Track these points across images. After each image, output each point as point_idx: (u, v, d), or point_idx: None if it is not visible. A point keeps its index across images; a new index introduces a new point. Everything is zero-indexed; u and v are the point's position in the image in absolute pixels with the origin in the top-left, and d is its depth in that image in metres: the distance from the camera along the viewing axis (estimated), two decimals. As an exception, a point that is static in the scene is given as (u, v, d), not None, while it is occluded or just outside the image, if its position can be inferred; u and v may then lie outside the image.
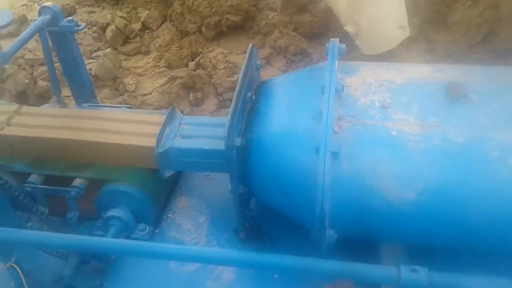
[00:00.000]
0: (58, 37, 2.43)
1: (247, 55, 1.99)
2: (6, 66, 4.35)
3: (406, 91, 1.69)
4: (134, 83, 3.55)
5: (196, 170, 2.13)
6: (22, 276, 1.84)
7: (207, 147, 1.95)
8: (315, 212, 1.50)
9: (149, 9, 4.88)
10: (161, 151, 1.97)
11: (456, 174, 1.46)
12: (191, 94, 3.32)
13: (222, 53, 3.53)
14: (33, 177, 2.10)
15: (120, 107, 2.49)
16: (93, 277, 1.93)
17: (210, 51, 3.59)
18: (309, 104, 1.70)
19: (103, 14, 5.24)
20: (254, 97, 1.93)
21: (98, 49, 4.64)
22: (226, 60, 3.48)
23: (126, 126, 2.13)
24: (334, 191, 1.49)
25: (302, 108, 1.72)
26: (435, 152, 1.49)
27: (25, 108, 2.40)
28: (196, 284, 1.90)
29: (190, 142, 2.00)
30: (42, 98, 3.62)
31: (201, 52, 3.68)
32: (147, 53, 4.38)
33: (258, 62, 2.11)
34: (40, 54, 4.35)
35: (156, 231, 2.13)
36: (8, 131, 2.13)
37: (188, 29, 3.89)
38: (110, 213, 2.04)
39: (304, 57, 3.42)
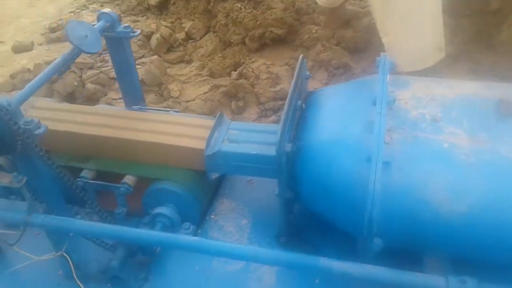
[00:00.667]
0: (114, 42, 2.54)
1: (297, 66, 2.06)
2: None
3: (457, 106, 1.71)
4: (178, 89, 3.66)
5: (242, 174, 2.18)
6: (71, 265, 1.94)
7: (254, 152, 2.02)
8: (364, 219, 1.53)
9: (193, 20, 5.02)
10: (210, 153, 2.04)
11: (508, 189, 1.46)
12: (233, 102, 3.40)
13: (264, 64, 3.61)
14: (85, 172, 2.21)
15: (168, 111, 2.58)
16: (139, 270, 2.00)
17: (253, 62, 3.67)
18: (360, 114, 1.74)
19: (148, 23, 5.42)
20: (303, 106, 1.98)
21: (143, 56, 4.80)
22: (268, 71, 3.55)
23: (176, 128, 2.22)
24: (383, 200, 1.51)
25: (352, 118, 1.76)
26: (486, 166, 1.50)
27: (78, 107, 2.52)
28: (238, 284, 1.94)
29: (237, 146, 2.06)
30: (89, 100, 3.78)
31: (243, 63, 3.77)
32: (189, 62, 4.50)
33: (307, 72, 2.17)
34: (88, 59, 4.54)
35: (199, 231, 2.19)
36: (63, 127, 2.23)
37: (232, 40, 4.00)
38: (157, 210, 2.12)
39: (346, 71, 3.46)
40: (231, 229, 2.19)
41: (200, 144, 2.08)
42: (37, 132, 1.77)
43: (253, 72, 3.56)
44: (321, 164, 1.72)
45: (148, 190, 2.17)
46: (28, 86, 1.92)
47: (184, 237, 1.78)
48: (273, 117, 3.26)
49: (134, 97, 2.81)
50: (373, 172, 1.50)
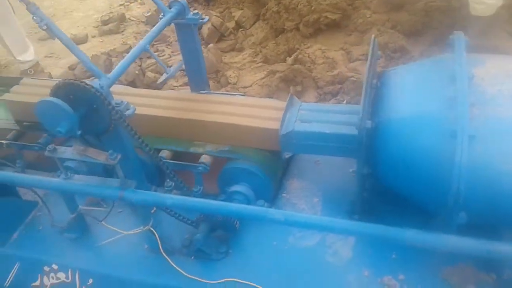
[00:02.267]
0: (183, 28, 2.63)
1: (370, 46, 2.10)
2: (114, 59, 4.75)
3: (534, 81, 1.71)
4: (235, 76, 3.75)
5: (315, 153, 2.26)
6: (158, 239, 2.06)
7: (329, 131, 2.08)
8: (449, 193, 1.57)
9: (242, 9, 5.09)
10: (284, 133, 2.11)
11: None
12: (291, 87, 3.46)
13: (320, 49, 3.65)
14: (164, 153, 2.33)
15: (235, 94, 2.67)
16: (220, 244, 2.11)
17: (308, 48, 3.72)
18: (437, 91, 1.77)
19: (197, 13, 5.53)
20: (378, 85, 2.03)
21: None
22: (324, 56, 3.59)
23: (247, 110, 2.31)
24: (469, 173, 1.55)
25: (430, 95, 1.79)
26: None
27: (151, 91, 2.65)
28: (315, 258, 2.02)
29: (311, 126, 2.13)
30: (149, 88, 3.92)
31: (298, 49, 3.82)
32: (241, 50, 4.59)
33: (379, 52, 2.20)
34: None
35: (273, 208, 2.28)
36: (141, 110, 2.35)
37: (285, 27, 4.05)
38: (234, 188, 2.22)
39: (403, 54, 3.46)
40: (304, 206, 2.27)
41: (273, 125, 2.17)
42: (127, 112, 1.90)
43: (309, 57, 3.61)
44: (401, 141, 1.76)
45: (223, 169, 2.28)
46: (115, 69, 2.05)
47: (261, 209, 1.86)
48: (332, 101, 3.30)
49: (200, 82, 2.91)
50: (459, 145, 1.54)
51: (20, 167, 2.62)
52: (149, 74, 3.92)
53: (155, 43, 5.31)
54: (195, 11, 2.62)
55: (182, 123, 2.32)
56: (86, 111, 1.82)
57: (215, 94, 2.74)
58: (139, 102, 2.42)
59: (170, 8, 2.58)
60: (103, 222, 2.13)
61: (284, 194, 2.34)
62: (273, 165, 2.29)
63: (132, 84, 4.05)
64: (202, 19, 2.63)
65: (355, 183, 1.97)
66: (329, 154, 2.19)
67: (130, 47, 5.29)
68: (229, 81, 3.75)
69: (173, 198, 1.85)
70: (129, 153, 2.07)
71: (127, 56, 2.17)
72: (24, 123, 2.58)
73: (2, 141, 2.47)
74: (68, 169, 2.02)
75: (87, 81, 1.85)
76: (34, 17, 1.71)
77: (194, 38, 2.69)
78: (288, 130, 2.11)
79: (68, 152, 1.88)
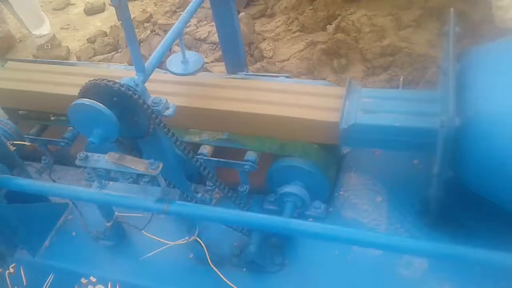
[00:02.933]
0: (218, 3, 2.34)
1: (451, 20, 1.77)
2: (136, 30, 4.45)
3: None
4: (271, 48, 3.44)
5: (381, 148, 1.98)
6: (205, 249, 1.86)
7: (398, 124, 1.80)
8: None
9: (270, -32, 4.69)
10: (345, 127, 1.84)
11: None
12: (335, 61, 3.14)
13: (365, 15, 3.28)
14: (203, 148, 2.09)
15: (278, 76, 2.38)
16: (274, 254, 1.89)
17: (351, 14, 3.36)
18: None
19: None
20: (459, 68, 1.72)
21: (220, 12, 4.56)
22: (371, 23, 3.22)
23: (299, 98, 2.03)
24: None
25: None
26: None
27: (181, 78, 2.37)
28: (384, 269, 1.79)
29: (376, 117, 1.85)
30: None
31: (339, 15, 3.46)
32: (272, 16, 4.24)
33: (457, 29, 1.87)
34: (171, 19, 4.38)
35: (330, 209, 2.04)
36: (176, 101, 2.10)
37: (324, -10, 3.67)
38: (286, 189, 1.99)
39: (462, 20, 3.07)
40: (366, 207, 2.03)
41: (332, 116, 1.90)
42: (167, 112, 1.66)
43: (353, 25, 3.25)
44: (500, 140, 1.47)
45: (273, 167, 2.04)
46: (150, 61, 1.79)
47: (324, 226, 1.60)
48: (384, 75, 2.98)
49: (237, 62, 2.63)
50: None
51: (46, 164, 2.44)
52: (176, 49, 3.63)
53: (177, 11, 4.98)
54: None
55: (223, 115, 2.06)
56: (120, 113, 1.59)
57: (256, 76, 2.46)
58: (170, 91, 2.16)
59: (204, -22, 2.28)
60: (144, 231, 1.92)
61: (341, 192, 2.10)
62: (329, 160, 2.04)
63: (158, 60, 3.77)
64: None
65: (432, 185, 1.71)
66: (398, 150, 1.92)
67: (151, 16, 4.97)
68: (264, 54, 3.43)
69: (226, 212, 1.62)
70: (168, 155, 1.85)
71: (162, 44, 1.92)
72: (20, 111, 2.37)
73: (27, 137, 2.26)
74: (101, 175, 1.79)
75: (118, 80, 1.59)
76: None
77: (231, 12, 2.40)
78: (350, 123, 1.84)
79: (102, 161, 1.65)
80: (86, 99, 1.50)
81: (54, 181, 2.15)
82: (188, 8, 2.10)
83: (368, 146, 2.01)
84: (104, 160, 1.66)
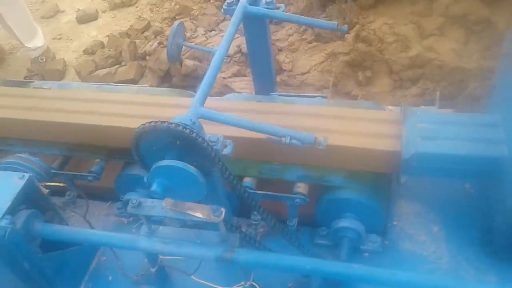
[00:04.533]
0: (252, 19, 2.22)
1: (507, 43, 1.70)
2: (138, 41, 4.28)
3: None
4: (289, 61, 3.33)
5: (444, 177, 1.89)
6: (261, 292, 1.76)
7: (463, 152, 1.72)
8: None
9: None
10: (407, 157, 1.75)
11: None
12: (360, 73, 3.05)
13: (386, 23, 3.20)
14: (249, 181, 1.98)
15: (315, 96, 2.27)
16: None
17: (370, 22, 3.28)
18: None
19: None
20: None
21: (224, 20, 4.45)
22: (393, 32, 3.15)
23: (350, 124, 1.93)
24: None
25: None
26: None
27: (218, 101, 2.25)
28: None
29: (438, 145, 1.76)
30: (188, 78, 3.51)
31: (356, 23, 3.37)
32: (279, 22, 4.12)
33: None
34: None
35: (386, 242, 1.96)
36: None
37: (338, -4, 3.58)
38: (341, 223, 1.89)
39: (487, 26, 3.03)
40: (424, 238, 1.95)
41: (391, 145, 1.81)
42: (225, 151, 1.54)
43: (375, 34, 3.17)
44: None
45: (324, 198, 1.94)
46: (199, 94, 1.66)
47: (401, 274, 1.51)
48: (414, 89, 2.90)
49: (268, 83, 2.53)
50: None
51: (71, 199, 2.29)
52: (187, 62, 3.49)
53: (177, 17, 4.83)
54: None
55: (269, 146, 1.95)
56: (178, 154, 1.47)
57: (291, 97, 2.35)
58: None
59: None
60: (192, 276, 1.80)
61: (395, 222, 2.01)
62: (384, 190, 1.95)
63: (167, 74, 3.63)
64: (278, 7, 2.21)
65: (500, 215, 1.63)
66: (460, 179, 1.85)
67: (149, 23, 4.82)
68: (283, 67, 3.33)
69: (299, 260, 1.52)
70: (220, 194, 1.73)
71: (209, 72, 1.77)
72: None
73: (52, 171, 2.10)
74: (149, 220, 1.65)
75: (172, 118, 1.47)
76: None
77: (265, 31, 2.28)
78: (412, 152, 1.75)
79: (157, 207, 1.53)
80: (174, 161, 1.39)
81: (89, 223, 2.01)
82: (226, 35, 1.95)
83: (430, 175, 1.92)
84: (160, 207, 1.53)
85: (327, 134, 1.90)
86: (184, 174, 1.41)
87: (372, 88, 3.01)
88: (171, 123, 1.39)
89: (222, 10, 2.23)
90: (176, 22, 2.04)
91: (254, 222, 2.07)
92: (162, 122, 1.40)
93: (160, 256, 1.87)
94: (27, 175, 1.69)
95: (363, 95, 2.97)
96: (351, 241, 1.89)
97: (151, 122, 1.42)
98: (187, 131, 1.40)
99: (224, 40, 1.90)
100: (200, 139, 1.41)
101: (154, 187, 1.39)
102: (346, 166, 1.91)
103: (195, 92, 1.73)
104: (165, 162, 1.40)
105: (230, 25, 1.97)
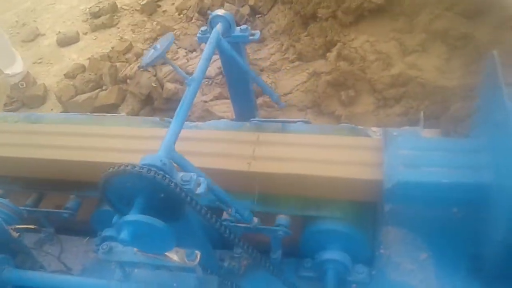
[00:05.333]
0: (228, 48, 2.17)
1: (494, 62, 1.66)
2: (119, 64, 4.23)
3: None
4: (271, 81, 3.29)
5: (429, 206, 1.84)
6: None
7: (446, 180, 1.67)
8: None
9: (254, -9, 4.56)
10: (389, 186, 1.70)
11: None
12: (342, 93, 3.02)
13: (367, 41, 3.18)
14: (228, 214, 1.92)
15: (296, 121, 2.23)
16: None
17: (352, 40, 3.25)
18: None
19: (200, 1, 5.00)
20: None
21: (206, 39, 4.39)
22: (375, 50, 3.13)
23: (331, 152, 1.88)
24: None
25: None
26: None
27: (193, 132, 2.19)
28: None
29: (421, 173, 1.72)
30: (170, 101, 3.46)
31: (338, 41, 3.35)
32: (261, 41, 4.10)
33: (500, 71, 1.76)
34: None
35: (373, 272, 1.90)
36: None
37: (319, 15, 3.55)
38: (326, 255, 1.83)
39: (469, 42, 3.01)
40: (411, 266, 1.89)
41: (373, 174, 1.76)
42: (198, 190, 1.48)
43: (356, 52, 3.14)
44: None
45: (307, 230, 1.88)
46: (168, 137, 1.59)
47: None
48: (397, 108, 2.87)
49: (247, 107, 2.48)
50: None
51: (47, 237, 2.21)
52: (168, 85, 3.44)
53: (159, 38, 4.78)
54: (244, 26, 2.16)
55: (247, 176, 1.90)
56: (148, 198, 1.41)
57: (271, 122, 2.30)
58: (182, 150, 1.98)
59: (211, 26, 2.11)
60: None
61: (382, 250, 1.95)
62: (368, 219, 1.90)
63: (149, 98, 3.58)
64: (253, 34, 2.17)
65: (491, 245, 1.59)
66: (445, 207, 1.80)
67: (131, 44, 4.77)
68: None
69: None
70: (196, 231, 1.67)
71: (180, 106, 1.71)
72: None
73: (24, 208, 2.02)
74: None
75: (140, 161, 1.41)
76: None
77: (242, 58, 2.23)
78: (394, 181, 1.70)
79: (129, 253, 1.46)
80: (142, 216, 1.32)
81: (64, 264, 1.93)
82: (202, 58, 1.91)
83: (414, 203, 1.88)
84: (132, 252, 1.47)
85: (308, 164, 1.87)
86: (153, 228, 1.34)
87: (356, 108, 2.98)
88: (142, 168, 1.33)
89: (197, 38, 2.19)
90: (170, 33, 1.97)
91: (236, 255, 2.00)
92: (133, 166, 1.34)
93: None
94: (-6, 220, 1.62)
95: (347, 115, 2.94)
96: (337, 273, 1.83)
97: (120, 165, 1.36)
98: (159, 176, 1.34)
99: (198, 70, 1.85)
100: (166, 180, 1.35)
101: (122, 235, 1.32)
102: (328, 195, 1.85)
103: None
104: (132, 217, 1.33)
105: (203, 55, 1.93)
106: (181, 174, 1.47)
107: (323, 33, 3.50)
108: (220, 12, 2.12)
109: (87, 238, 2.24)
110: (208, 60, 1.95)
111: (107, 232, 2.01)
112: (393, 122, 2.79)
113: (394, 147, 1.82)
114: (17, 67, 4.47)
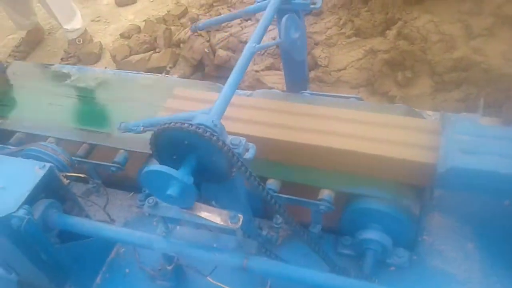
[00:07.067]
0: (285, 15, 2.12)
1: None
2: (174, 27, 4.25)
3: None
4: (325, 56, 3.21)
5: (483, 194, 1.76)
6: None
7: (504, 171, 1.59)
8: None
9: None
10: (443, 170, 1.64)
11: None
12: (399, 73, 2.91)
13: (432, 21, 3.03)
14: (273, 183, 1.92)
15: (349, 97, 2.17)
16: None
17: (415, 19, 3.11)
18: None
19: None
20: None
21: (262, 8, 4.33)
22: (439, 31, 2.98)
23: (385, 132, 1.83)
24: None
25: None
26: None
27: (242, 99, 2.17)
28: None
29: (479, 160, 1.64)
30: (221, 68, 3.45)
31: (399, 19, 3.21)
32: (318, 14, 3.98)
33: None
34: (207, 16, 4.18)
35: (414, 257, 1.86)
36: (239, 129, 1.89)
37: (379, -11, 3.40)
38: (366, 234, 1.80)
39: (542, 29, 2.82)
40: (454, 255, 1.84)
41: (426, 157, 1.70)
42: (246, 155, 1.48)
43: (418, 32, 3.01)
44: None
45: (350, 207, 1.85)
46: (223, 92, 1.59)
47: None
48: (456, 93, 2.74)
49: (299, 80, 2.44)
50: None
51: (94, 187, 2.29)
52: (221, 52, 3.43)
53: (214, 4, 4.76)
54: (305, -6, 2.10)
55: (293, 147, 1.88)
56: (198, 159, 1.42)
57: (322, 96, 2.26)
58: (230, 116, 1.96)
59: (271, -9, 2.07)
60: (208, 278, 1.76)
61: (425, 237, 1.91)
62: (413, 202, 1.84)
63: (200, 64, 3.58)
64: (314, 3, 2.11)
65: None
66: (501, 199, 1.72)
67: (186, 9, 4.77)
68: (318, 62, 3.22)
69: (317, 275, 1.45)
70: (241, 197, 1.68)
71: (234, 70, 1.70)
72: None
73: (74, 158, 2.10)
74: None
75: (191, 118, 1.41)
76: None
77: (300, 28, 2.19)
78: (449, 166, 1.64)
79: (174, 209, 1.49)
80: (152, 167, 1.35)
81: (109, 215, 1.99)
82: (260, 25, 1.88)
83: (466, 191, 1.80)
84: (176, 209, 1.49)
85: (359, 141, 1.83)
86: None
87: (412, 90, 2.86)
88: (192, 125, 1.34)
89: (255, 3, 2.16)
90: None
91: (275, 226, 2.01)
92: (182, 123, 1.35)
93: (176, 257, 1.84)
94: (48, 165, 1.68)
95: (402, 96, 2.83)
96: (376, 254, 1.81)
97: (171, 122, 1.37)
98: (208, 134, 1.34)
99: (255, 37, 1.83)
100: (220, 143, 1.35)
101: (170, 191, 1.33)
102: (376, 175, 1.81)
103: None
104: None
105: (261, 22, 1.90)
106: (230, 137, 1.47)
107: (384, 10, 3.36)
108: (279, -22, 2.07)
109: (132, 193, 2.31)
110: (266, 27, 1.92)
111: (152, 189, 2.07)
112: (450, 107, 2.67)
113: (451, 132, 1.74)
114: (76, 23, 4.57)
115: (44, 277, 1.78)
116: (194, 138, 1.36)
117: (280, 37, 2.14)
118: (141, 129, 1.71)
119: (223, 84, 1.66)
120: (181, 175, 1.34)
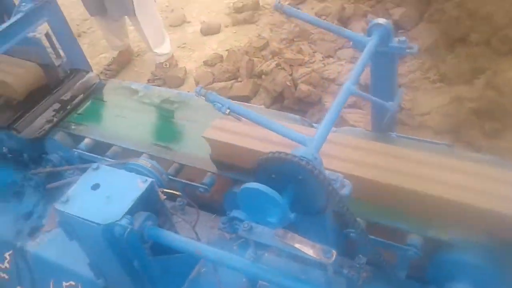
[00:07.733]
0: (381, 58, 2.16)
1: None
2: (256, 59, 4.40)
3: None
4: (410, 99, 3.21)
5: None
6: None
7: None
8: None
9: (400, 5, 4.47)
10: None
11: None
12: (487, 123, 2.85)
13: (524, 74, 2.97)
14: (360, 222, 1.91)
15: (439, 144, 2.14)
16: None
17: (505, 70, 3.05)
18: None
19: (338, 5, 5.03)
20: None
21: (343, 47, 4.41)
22: (530, 84, 2.91)
23: (477, 181, 1.78)
24: None
25: None
26: None
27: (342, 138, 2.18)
28: None
29: None
30: (301, 103, 3.53)
31: (488, 68, 3.16)
32: (401, 57, 3.99)
33: None
34: (299, 54, 4.23)
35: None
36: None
37: (470, 39, 3.38)
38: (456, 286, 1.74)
39: None
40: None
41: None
42: (343, 191, 1.49)
43: (509, 84, 2.94)
44: None
45: (440, 256, 1.80)
46: (320, 131, 1.63)
47: None
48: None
49: (387, 119, 2.44)
50: None
51: (180, 205, 2.38)
52: (303, 86, 3.51)
53: (295, 40, 4.89)
54: (402, 38, 2.13)
55: (386, 189, 1.87)
56: (295, 190, 1.46)
57: (410, 140, 2.24)
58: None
59: (369, 34, 2.11)
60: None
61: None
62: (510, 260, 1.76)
63: (280, 96, 3.67)
64: (410, 47, 2.13)
65: None
66: None
67: (268, 43, 4.93)
68: (402, 105, 3.21)
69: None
70: (328, 231, 1.69)
71: (333, 107, 1.75)
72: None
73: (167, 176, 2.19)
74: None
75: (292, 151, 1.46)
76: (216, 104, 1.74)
77: (393, 71, 2.21)
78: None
79: (267, 235, 1.52)
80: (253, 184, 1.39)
81: (197, 234, 2.06)
82: (357, 65, 1.93)
83: None
84: (271, 235, 1.53)
85: (454, 189, 1.78)
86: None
87: (499, 142, 2.78)
88: (282, 153, 1.39)
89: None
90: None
91: (357, 265, 1.99)
92: (286, 154, 1.40)
93: (260, 281, 1.86)
94: (149, 180, 1.78)
95: (489, 147, 2.76)
96: (465, 309, 1.74)
97: (275, 152, 1.42)
98: (303, 162, 1.38)
99: (353, 76, 1.87)
100: (322, 177, 1.38)
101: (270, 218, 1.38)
102: (473, 225, 1.76)
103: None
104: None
105: (359, 62, 1.94)
106: (326, 171, 1.50)
107: (472, 58, 3.32)
108: (381, 20, 2.11)
109: (214, 215, 2.38)
110: (363, 67, 1.96)
111: (235, 213, 2.12)
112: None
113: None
114: (165, 48, 4.85)
115: (131, 286, 1.86)
116: (296, 169, 1.40)
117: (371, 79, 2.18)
118: (227, 112, 1.76)
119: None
120: (285, 204, 1.38)
